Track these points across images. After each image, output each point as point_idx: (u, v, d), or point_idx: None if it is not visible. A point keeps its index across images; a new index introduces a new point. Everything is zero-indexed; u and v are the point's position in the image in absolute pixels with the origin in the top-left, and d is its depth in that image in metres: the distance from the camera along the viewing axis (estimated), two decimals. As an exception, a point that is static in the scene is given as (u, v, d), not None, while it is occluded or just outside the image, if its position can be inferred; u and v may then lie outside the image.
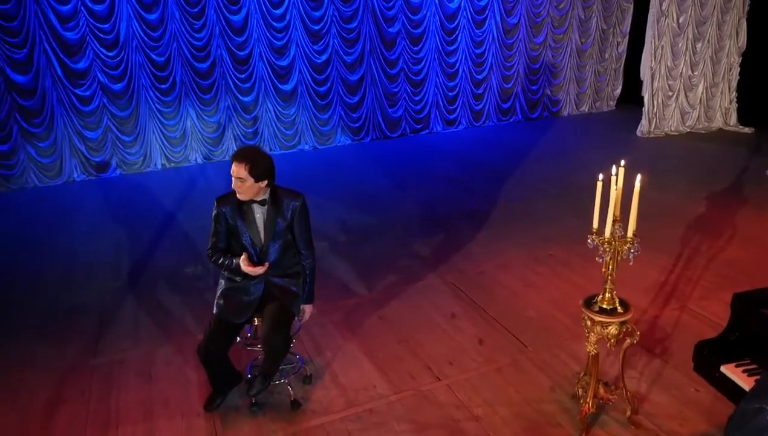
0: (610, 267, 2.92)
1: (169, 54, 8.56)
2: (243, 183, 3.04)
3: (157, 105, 8.73)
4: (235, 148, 9.31)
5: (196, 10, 8.51)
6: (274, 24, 9.01)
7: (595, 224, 2.89)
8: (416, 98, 10.22)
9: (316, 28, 9.25)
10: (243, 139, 9.36)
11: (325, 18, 9.25)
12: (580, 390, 3.33)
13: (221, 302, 3.27)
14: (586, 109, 11.53)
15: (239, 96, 9.15)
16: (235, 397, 3.58)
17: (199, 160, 9.16)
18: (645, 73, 9.15)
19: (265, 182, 3.10)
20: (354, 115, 9.92)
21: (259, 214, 3.20)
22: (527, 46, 10.63)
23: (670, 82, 9.24)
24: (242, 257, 3.12)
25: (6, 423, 3.52)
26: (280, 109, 9.46)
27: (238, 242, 3.22)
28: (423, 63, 10.07)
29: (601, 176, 2.86)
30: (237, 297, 3.26)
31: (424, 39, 9.93)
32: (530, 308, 4.54)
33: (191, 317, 4.63)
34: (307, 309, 3.48)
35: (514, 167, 8.32)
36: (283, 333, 3.19)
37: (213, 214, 3.23)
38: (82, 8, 7.96)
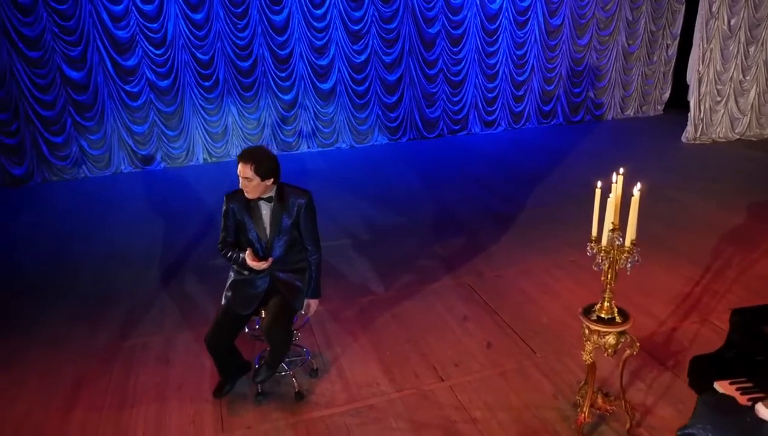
0: (609, 276, 2.88)
1: (213, 53, 8.87)
2: (249, 182, 3.16)
3: (200, 102, 9.05)
4: (275, 146, 9.57)
5: (239, 10, 8.77)
6: (315, 24, 9.18)
7: (594, 232, 2.87)
8: (455, 99, 10.20)
9: (356, 28, 9.36)
10: (282, 136, 9.59)
11: (365, 18, 9.35)
12: (580, 399, 3.30)
13: (229, 293, 3.42)
14: (632, 113, 11.20)
15: (279, 94, 9.37)
16: (243, 386, 3.72)
17: (239, 156, 9.43)
18: (692, 77, 8.82)
19: (271, 180, 3.21)
20: (392, 115, 9.99)
21: (265, 210, 3.32)
22: (571, 47, 10.42)
23: (719, 87, 8.87)
24: (247, 251, 3.25)
25: (35, 397, 3.79)
26: (318, 107, 9.63)
27: (245, 237, 3.36)
28: (462, 64, 10.03)
29: (599, 184, 2.83)
30: (244, 290, 3.39)
31: (465, 40, 9.89)
32: (544, 314, 4.50)
33: (213, 307, 4.79)
34: (313, 304, 3.58)
35: (549, 171, 8.20)
36: (282, 326, 3.30)
37: (222, 210, 3.37)
38: (133, 8, 8.35)
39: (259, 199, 3.30)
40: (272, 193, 3.32)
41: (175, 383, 3.86)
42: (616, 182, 2.77)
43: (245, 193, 3.24)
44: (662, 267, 5.17)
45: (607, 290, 2.92)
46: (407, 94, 9.93)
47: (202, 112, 9.13)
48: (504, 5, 9.88)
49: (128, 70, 8.61)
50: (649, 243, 5.63)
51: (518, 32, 10.10)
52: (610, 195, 2.74)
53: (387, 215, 6.82)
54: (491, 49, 10.08)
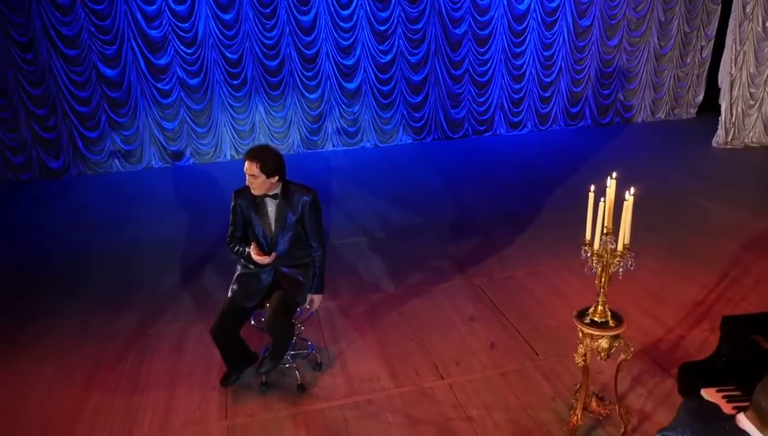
0: (602, 280, 2.89)
1: (241, 52, 9.07)
2: (255, 179, 3.28)
3: (229, 99, 9.27)
4: (300, 144, 9.74)
5: (268, 10, 8.95)
6: (342, 24, 9.30)
7: (588, 236, 2.88)
8: (480, 100, 10.17)
9: (382, 28, 9.44)
10: (307, 134, 9.74)
11: (392, 19, 9.42)
12: (575, 402, 3.31)
13: (235, 286, 3.55)
14: (663, 116, 10.96)
15: (305, 93, 9.52)
16: (250, 376, 3.85)
17: (266, 153, 9.61)
18: (723, 80, 8.60)
19: (276, 178, 3.33)
20: (416, 115, 10.03)
21: (271, 207, 3.44)
22: (600, 48, 10.27)
23: (752, 91, 8.63)
24: (252, 245, 3.38)
25: (56, 378, 4.01)
26: (344, 106, 9.75)
27: (252, 232, 3.49)
28: (489, 64, 9.99)
29: (593, 187, 2.85)
30: (249, 283, 3.52)
31: (491, 40, 9.86)
32: (551, 317, 4.51)
33: (227, 299, 4.96)
34: (316, 299, 3.68)
35: (571, 173, 8.11)
36: (282, 320, 3.41)
37: (231, 206, 3.51)
38: (166, 9, 8.62)
39: (265, 196, 3.42)
40: (278, 191, 3.44)
41: (185, 371, 4.03)
42: (609, 186, 2.78)
43: (251, 190, 3.37)
44: (677, 273, 5.10)
45: (601, 294, 2.93)
46: (432, 95, 9.96)
47: (230, 109, 9.34)
48: (532, 6, 9.80)
49: (160, 69, 8.88)
50: (667, 249, 5.58)
51: (546, 33, 10.01)
52: (602, 199, 2.75)
53: (405, 215, 6.89)
54: (518, 50, 10.01)
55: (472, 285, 5.07)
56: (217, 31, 8.91)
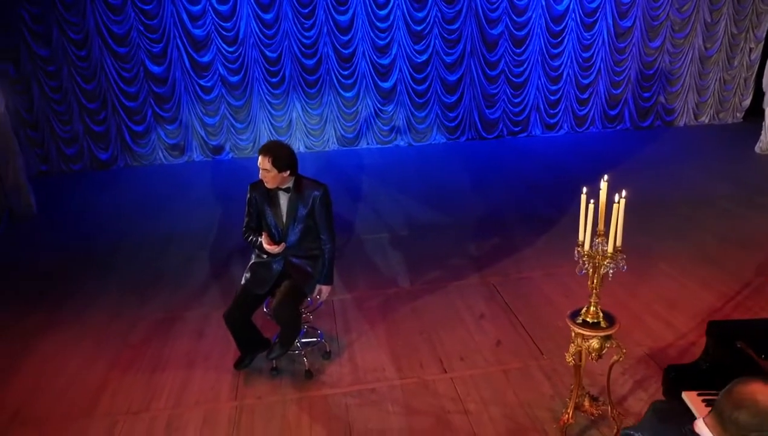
0: (595, 281, 2.94)
1: (280, 50, 9.35)
2: (268, 173, 3.47)
3: (267, 97, 9.57)
4: (335, 141, 9.96)
5: (307, 10, 9.19)
6: (379, 24, 9.45)
7: (581, 237, 2.93)
8: (516, 100, 10.13)
9: (419, 28, 9.54)
10: (342, 132, 9.94)
11: (428, 19, 9.51)
12: (568, 401, 3.36)
13: (248, 274, 3.76)
14: (707, 120, 10.63)
15: (341, 91, 9.72)
16: (263, 361, 4.05)
17: (301, 150, 9.88)
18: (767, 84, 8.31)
19: (288, 172, 3.51)
20: (451, 115, 10.09)
21: (283, 200, 3.63)
22: (641, 50, 10.05)
23: (798, 95, 8.30)
24: (263, 235, 3.57)
25: (88, 355, 4.32)
26: (378, 105, 9.90)
27: (265, 223, 3.68)
28: (525, 65, 9.94)
29: (585, 190, 2.90)
30: (260, 271, 3.72)
31: (528, 41, 9.80)
32: (561, 318, 4.50)
33: (250, 288, 5.19)
34: (324, 289, 3.85)
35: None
36: (288, 307, 3.59)
37: (246, 198, 3.72)
38: (210, 9, 8.98)
39: (278, 189, 3.61)
40: (290, 185, 3.62)
41: (203, 353, 4.28)
42: (602, 189, 2.83)
43: (264, 183, 3.56)
44: (698, 280, 5.02)
45: (593, 295, 2.98)
46: (467, 95, 9.99)
47: (269, 106, 9.64)
48: (571, 6, 9.69)
49: (203, 66, 9.25)
50: (690, 255, 5.50)
51: (585, 34, 9.87)
52: (593, 202, 2.80)
53: (430, 213, 6.98)
54: (556, 51, 9.92)
55: (487, 284, 5.13)
56: (258, 31, 9.21)
